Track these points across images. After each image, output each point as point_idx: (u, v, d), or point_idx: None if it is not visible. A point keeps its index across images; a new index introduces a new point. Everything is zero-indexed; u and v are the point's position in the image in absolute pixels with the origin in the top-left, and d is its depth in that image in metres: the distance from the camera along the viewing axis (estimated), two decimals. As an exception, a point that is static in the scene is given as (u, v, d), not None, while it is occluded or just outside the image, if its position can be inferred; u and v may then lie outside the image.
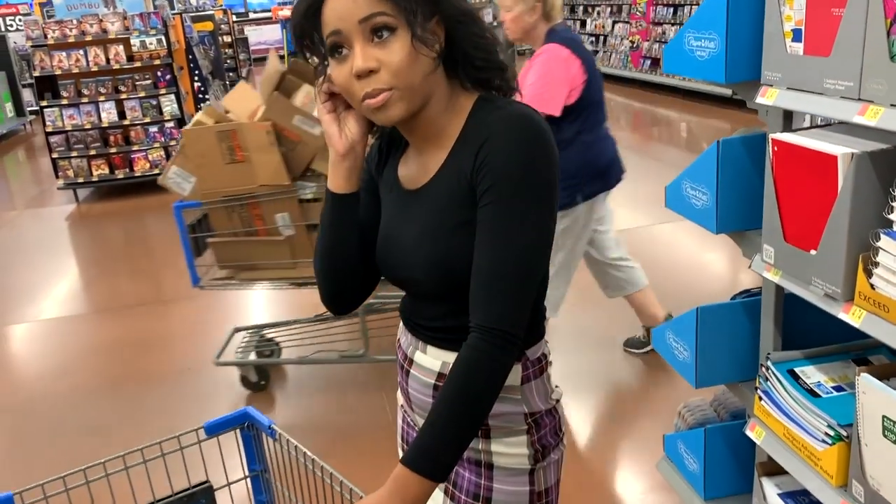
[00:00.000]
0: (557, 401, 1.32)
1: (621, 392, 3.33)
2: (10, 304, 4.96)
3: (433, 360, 1.25)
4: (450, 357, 1.19)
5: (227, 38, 14.77)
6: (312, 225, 3.10)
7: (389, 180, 1.28)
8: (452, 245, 1.14)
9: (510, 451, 1.25)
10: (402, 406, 1.42)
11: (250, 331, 3.76)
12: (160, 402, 3.49)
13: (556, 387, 1.34)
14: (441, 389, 1.11)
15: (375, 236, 1.29)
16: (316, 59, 1.16)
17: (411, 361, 1.29)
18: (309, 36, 1.11)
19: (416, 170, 1.23)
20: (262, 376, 3.50)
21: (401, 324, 1.36)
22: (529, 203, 1.07)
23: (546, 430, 1.27)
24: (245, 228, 3.16)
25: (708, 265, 4.62)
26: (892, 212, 1.36)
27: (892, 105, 1.31)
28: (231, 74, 14.37)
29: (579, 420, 3.15)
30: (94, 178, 7.10)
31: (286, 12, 9.66)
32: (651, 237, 5.07)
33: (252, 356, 3.52)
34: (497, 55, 1.17)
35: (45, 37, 6.74)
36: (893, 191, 1.35)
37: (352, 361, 3.45)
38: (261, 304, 4.65)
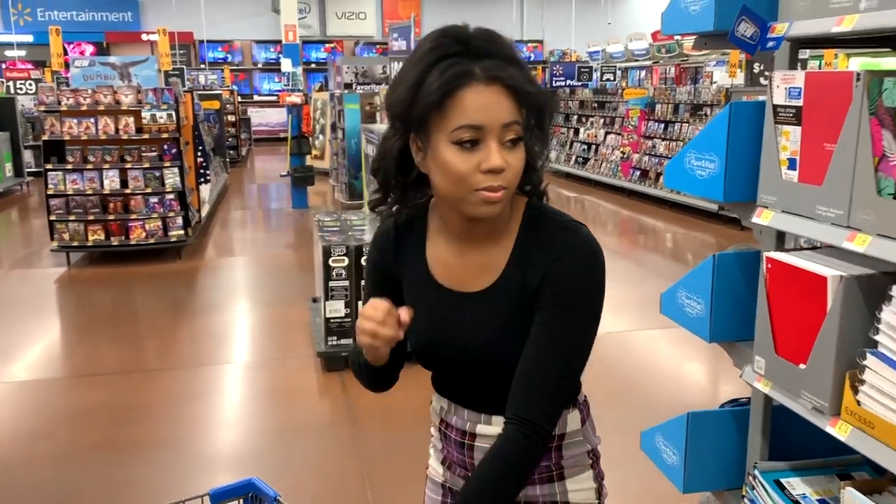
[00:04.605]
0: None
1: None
2: (-11, 363, 4.90)
3: (500, 427, 1.29)
4: None
5: (232, 118, 15.16)
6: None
7: (418, 275, 1.33)
8: (511, 344, 1.24)
9: (582, 486, 1.37)
10: (444, 484, 1.47)
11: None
12: (136, 473, 3.44)
13: None
14: (476, 472, 1.23)
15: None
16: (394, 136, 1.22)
17: (473, 435, 1.34)
18: (422, 114, 1.14)
19: (467, 269, 1.29)
20: None
21: (445, 406, 1.40)
22: (586, 322, 1.21)
23: (599, 462, 1.41)
24: None
25: (688, 374, 4.69)
26: (877, 333, 1.46)
27: (878, 234, 1.42)
28: (231, 152, 14.68)
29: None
30: (89, 243, 7.14)
31: (294, 98, 9.99)
32: (632, 342, 5.15)
33: None
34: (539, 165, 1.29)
35: (59, 103, 6.93)
36: (879, 313, 1.45)
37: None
38: (236, 379, 4.64)
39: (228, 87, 16.48)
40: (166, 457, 3.58)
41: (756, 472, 1.83)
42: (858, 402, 1.49)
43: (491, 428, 1.32)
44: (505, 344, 1.24)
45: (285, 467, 3.45)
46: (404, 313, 1.22)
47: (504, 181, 1.15)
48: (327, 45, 20.61)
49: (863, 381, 1.47)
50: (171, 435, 3.81)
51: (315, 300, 5.23)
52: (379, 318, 1.20)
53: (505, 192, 1.15)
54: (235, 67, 20.37)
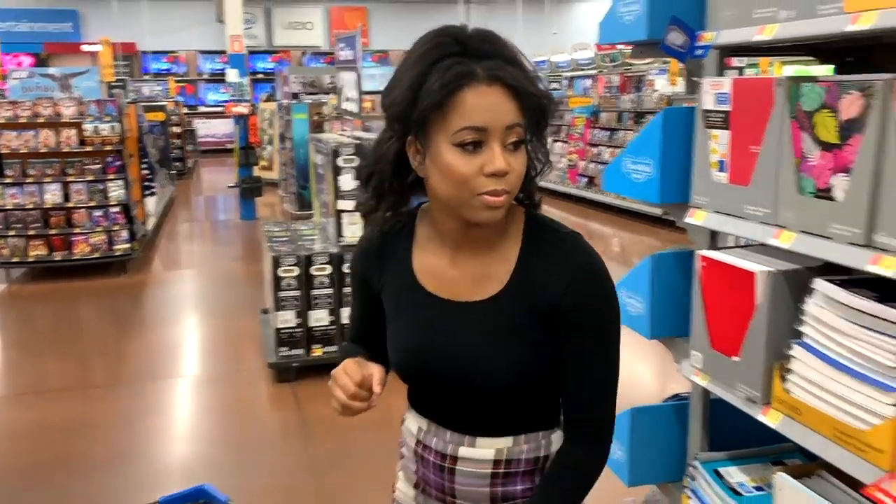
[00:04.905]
0: None
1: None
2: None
3: (485, 450, 1.25)
4: (501, 443, 1.25)
5: (177, 129, 14.95)
6: None
7: (403, 283, 1.27)
8: (533, 356, 1.20)
9: None
10: None
11: None
12: (87, 490, 3.38)
13: None
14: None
15: (379, 328, 1.32)
16: (392, 135, 1.17)
17: (455, 458, 1.27)
18: (423, 115, 1.10)
19: (463, 278, 1.23)
20: None
21: (423, 427, 1.32)
22: (617, 334, 1.23)
23: None
24: None
25: (636, 373, 4.79)
26: (802, 324, 1.54)
27: (801, 231, 1.51)
28: (177, 164, 14.47)
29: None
30: (30, 259, 6.96)
31: (240, 109, 9.91)
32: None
33: None
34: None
35: (-3, 116, 6.76)
36: (803, 306, 1.53)
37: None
38: (187, 393, 4.59)
39: (173, 98, 16.24)
40: (117, 473, 3.52)
41: (696, 463, 1.90)
42: (787, 391, 1.57)
43: (475, 451, 1.25)
44: (506, 356, 1.19)
45: (238, 480, 3.43)
46: (377, 384, 1.17)
47: (507, 185, 1.11)
48: (274, 55, 20.49)
49: (790, 371, 1.55)
50: (121, 451, 3.75)
51: (265, 311, 5.20)
52: (350, 392, 1.15)
53: (507, 196, 1.12)
54: (180, 78, 20.07)
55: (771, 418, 1.60)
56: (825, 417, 1.47)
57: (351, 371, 1.17)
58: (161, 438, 3.96)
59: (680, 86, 10.84)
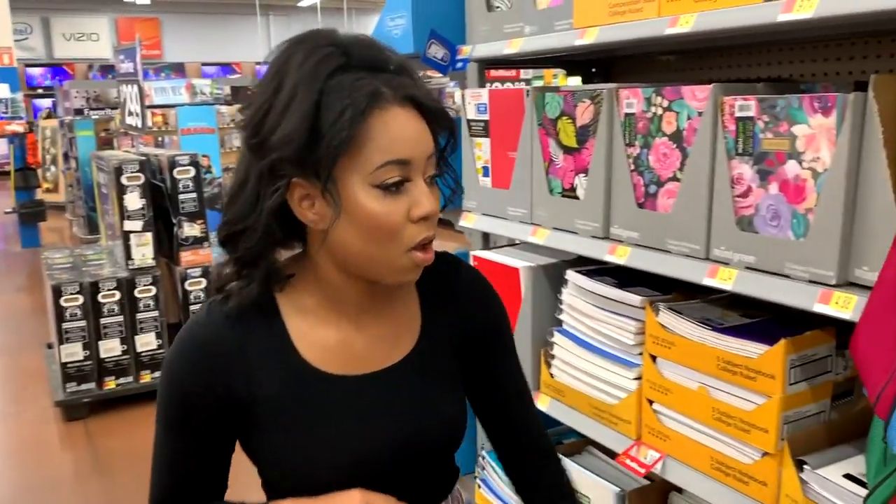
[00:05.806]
0: None
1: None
2: None
3: None
4: None
5: (-60, 152, 13.40)
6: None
7: (295, 376, 0.94)
8: (461, 402, 1.06)
9: None
10: None
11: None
12: None
13: None
14: None
15: (220, 464, 0.99)
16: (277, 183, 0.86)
17: None
18: (333, 153, 0.83)
19: (373, 343, 0.99)
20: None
21: None
22: None
23: None
24: None
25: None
26: (561, 313, 1.68)
27: (553, 228, 1.64)
28: (-57, 190, 12.96)
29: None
30: None
31: (14, 127, 9.07)
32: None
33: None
34: None
35: None
36: (560, 295, 1.67)
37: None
38: (-30, 443, 4.14)
39: (-66, 116, 14.52)
40: None
41: (484, 454, 2.01)
42: (552, 375, 1.70)
43: None
44: (457, 404, 1.04)
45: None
46: None
47: (434, 230, 0.91)
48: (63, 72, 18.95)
49: (553, 356, 1.69)
50: None
51: (51, 346, 4.79)
52: None
53: (432, 245, 0.92)
54: (-57, 95, 18.01)
55: (541, 402, 1.73)
56: (583, 396, 1.62)
57: None
58: (-73, 497, 3.53)
59: (476, 96, 11.30)
